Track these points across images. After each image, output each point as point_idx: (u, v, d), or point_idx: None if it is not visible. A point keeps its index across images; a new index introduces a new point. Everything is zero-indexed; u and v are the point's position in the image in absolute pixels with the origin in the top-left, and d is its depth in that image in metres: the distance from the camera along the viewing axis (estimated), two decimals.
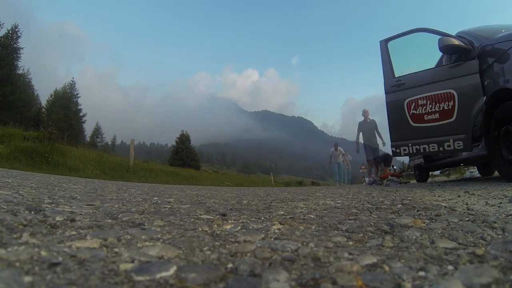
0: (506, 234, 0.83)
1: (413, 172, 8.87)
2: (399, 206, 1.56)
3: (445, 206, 1.51)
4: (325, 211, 1.39)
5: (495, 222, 0.98)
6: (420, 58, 4.39)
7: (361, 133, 7.31)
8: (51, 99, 35.21)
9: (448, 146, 3.34)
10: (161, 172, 12.45)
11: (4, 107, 23.72)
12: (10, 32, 27.18)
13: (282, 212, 1.35)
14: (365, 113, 7.36)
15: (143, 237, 0.77)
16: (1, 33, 26.18)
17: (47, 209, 1.09)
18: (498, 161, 3.05)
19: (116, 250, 0.64)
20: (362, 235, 0.86)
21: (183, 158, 38.16)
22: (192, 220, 1.08)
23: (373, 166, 7.15)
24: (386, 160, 7.75)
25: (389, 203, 1.74)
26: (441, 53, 3.92)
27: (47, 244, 0.64)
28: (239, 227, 0.96)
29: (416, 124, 3.63)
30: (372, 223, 1.04)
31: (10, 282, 0.42)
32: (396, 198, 2.11)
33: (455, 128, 3.29)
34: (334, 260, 0.62)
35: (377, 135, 7.22)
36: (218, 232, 0.89)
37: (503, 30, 3.20)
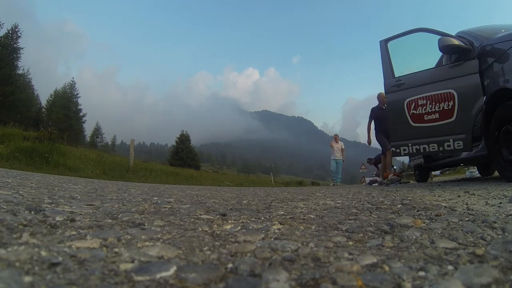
0: (506, 234, 0.83)
1: (413, 172, 8.87)
2: (399, 206, 1.56)
3: (445, 206, 1.50)
4: (325, 211, 1.39)
5: (495, 222, 0.98)
6: (420, 58, 4.39)
7: (373, 122, 6.11)
8: (51, 99, 35.22)
9: (448, 146, 3.34)
10: (161, 172, 12.45)
11: (4, 107, 23.72)
12: (10, 32, 27.20)
13: (282, 212, 1.35)
14: (381, 98, 5.92)
15: (143, 237, 0.77)
16: (1, 33, 26.22)
17: (47, 209, 1.09)
18: (498, 161, 3.05)
19: (116, 250, 0.64)
20: (362, 235, 0.86)
21: (183, 158, 38.18)
22: (192, 220, 1.08)
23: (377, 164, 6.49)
24: None
25: (389, 203, 1.74)
26: (441, 53, 3.92)
27: (47, 244, 0.64)
28: (239, 227, 0.96)
29: (416, 124, 3.63)
30: (372, 223, 1.04)
31: (10, 282, 0.42)
32: (396, 198, 2.11)
33: (455, 128, 3.29)
34: (334, 260, 0.62)
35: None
36: (218, 232, 0.88)
37: (503, 30, 3.20)
